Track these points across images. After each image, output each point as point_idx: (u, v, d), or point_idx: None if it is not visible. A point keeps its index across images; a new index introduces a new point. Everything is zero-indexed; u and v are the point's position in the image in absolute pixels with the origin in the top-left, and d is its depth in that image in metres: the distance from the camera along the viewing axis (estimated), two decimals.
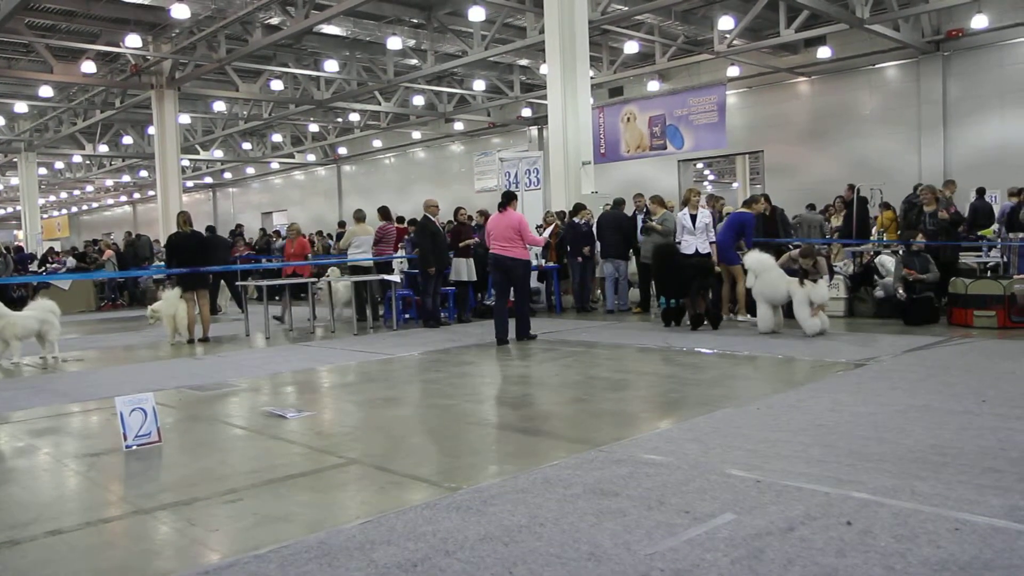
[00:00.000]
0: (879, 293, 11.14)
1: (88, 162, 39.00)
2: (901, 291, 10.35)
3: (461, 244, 12.85)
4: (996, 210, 14.70)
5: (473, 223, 15.94)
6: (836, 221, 15.93)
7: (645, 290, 13.28)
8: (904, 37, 18.49)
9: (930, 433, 4.81)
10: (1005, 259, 12.00)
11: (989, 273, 11.59)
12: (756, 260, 9.81)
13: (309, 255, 14.67)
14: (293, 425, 5.89)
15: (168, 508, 4.04)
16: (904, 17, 17.82)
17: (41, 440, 5.80)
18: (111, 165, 38.91)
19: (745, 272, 10.13)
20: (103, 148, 32.83)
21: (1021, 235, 11.88)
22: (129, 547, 3.61)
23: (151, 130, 25.95)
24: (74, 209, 57.84)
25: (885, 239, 14.19)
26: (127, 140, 32.19)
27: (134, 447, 5.22)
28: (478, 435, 5.54)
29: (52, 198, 52.73)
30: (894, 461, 4.26)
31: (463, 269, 12.83)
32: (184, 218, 11.82)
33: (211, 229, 18.41)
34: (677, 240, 11.30)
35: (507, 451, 5.07)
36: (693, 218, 11.15)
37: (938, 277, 10.37)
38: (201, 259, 11.73)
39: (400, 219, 16.83)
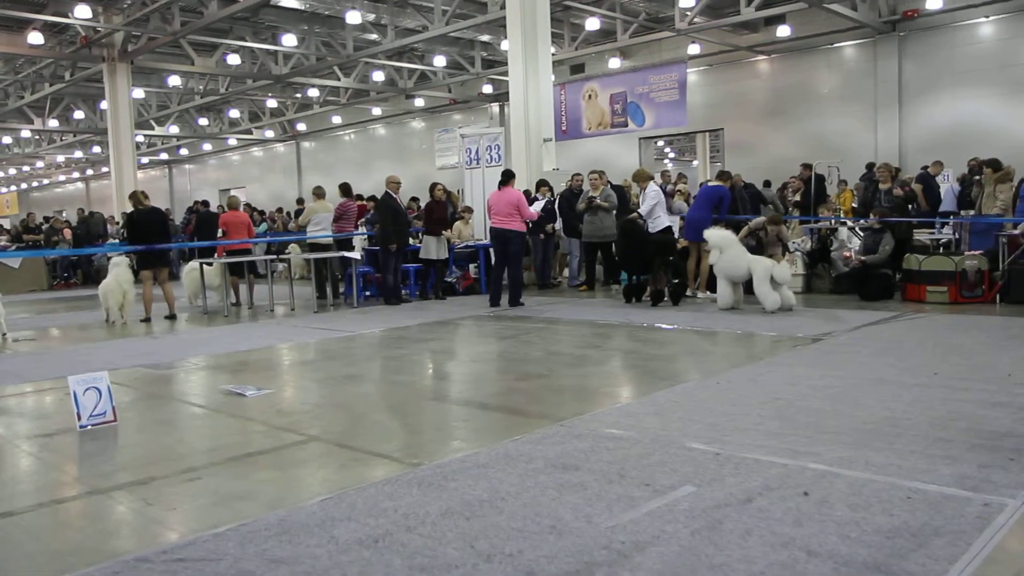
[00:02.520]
0: (841, 266, 11.38)
1: (38, 137, 37.93)
2: (842, 265, 10.75)
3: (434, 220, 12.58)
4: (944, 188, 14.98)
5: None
6: (795, 197, 16.09)
7: (590, 268, 13.34)
8: (861, 17, 18.65)
9: (884, 405, 4.91)
10: (957, 236, 12.25)
11: (942, 250, 11.82)
12: (719, 236, 9.87)
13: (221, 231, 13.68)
14: (253, 403, 5.83)
15: (124, 488, 3.98)
16: None
17: None
18: (62, 140, 37.88)
19: (707, 249, 10.19)
20: (53, 123, 31.91)
21: (972, 212, 12.13)
22: (85, 528, 3.56)
23: (103, 105, 25.27)
24: (24, 186, 56.35)
25: (842, 216, 14.40)
26: (79, 115, 31.36)
27: (89, 427, 5.13)
28: (440, 411, 5.54)
29: (0, 174, 51.32)
30: (850, 433, 4.34)
31: (432, 247, 12.63)
32: (142, 194, 11.62)
33: (205, 203, 17.85)
34: (646, 216, 11.24)
35: (469, 427, 5.07)
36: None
37: (887, 255, 10.58)
38: (162, 236, 11.57)
39: (360, 196, 16.67)
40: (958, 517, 3.14)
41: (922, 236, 12.47)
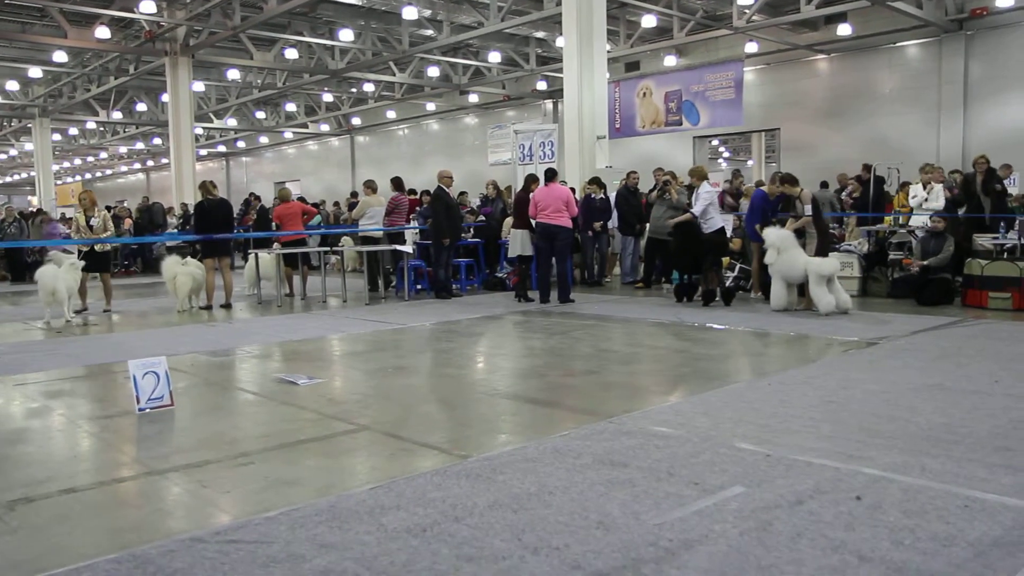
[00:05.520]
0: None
1: (102, 129, 38.97)
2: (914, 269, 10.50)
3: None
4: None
5: (485, 196, 15.92)
6: (852, 197, 15.75)
7: (649, 266, 13.22)
8: (926, 15, 18.19)
9: (941, 412, 4.79)
10: (1022, 241, 11.87)
11: (1005, 255, 11.48)
12: (778, 236, 9.66)
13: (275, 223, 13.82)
14: (304, 391, 5.92)
15: (180, 470, 4.08)
16: None
17: (55, 401, 5.86)
18: (125, 132, 38.88)
19: (765, 249, 9.95)
20: (117, 115, 32.75)
21: None
22: (142, 507, 3.65)
23: (165, 97, 25.85)
24: (88, 176, 57.94)
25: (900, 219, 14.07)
26: (141, 107, 32.13)
27: (147, 410, 5.26)
28: (488, 405, 5.55)
29: (66, 164, 52.74)
30: (905, 438, 4.25)
31: (523, 242, 11.67)
32: (211, 184, 12.02)
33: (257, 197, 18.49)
34: (704, 216, 11.12)
35: (517, 421, 5.09)
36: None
37: (949, 255, 10.33)
38: (227, 227, 11.90)
39: (412, 191, 16.81)
40: (1019, 528, 3.05)
41: (984, 240, 12.11)
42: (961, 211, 12.37)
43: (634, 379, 6.27)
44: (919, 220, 11.97)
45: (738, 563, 2.80)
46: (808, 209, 9.85)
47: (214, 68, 27.14)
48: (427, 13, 20.48)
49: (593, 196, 13.41)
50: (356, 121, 36.25)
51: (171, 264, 11.49)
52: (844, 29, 19.90)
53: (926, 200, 12.01)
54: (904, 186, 14.74)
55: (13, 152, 45.56)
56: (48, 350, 8.29)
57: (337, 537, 3.11)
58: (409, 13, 19.61)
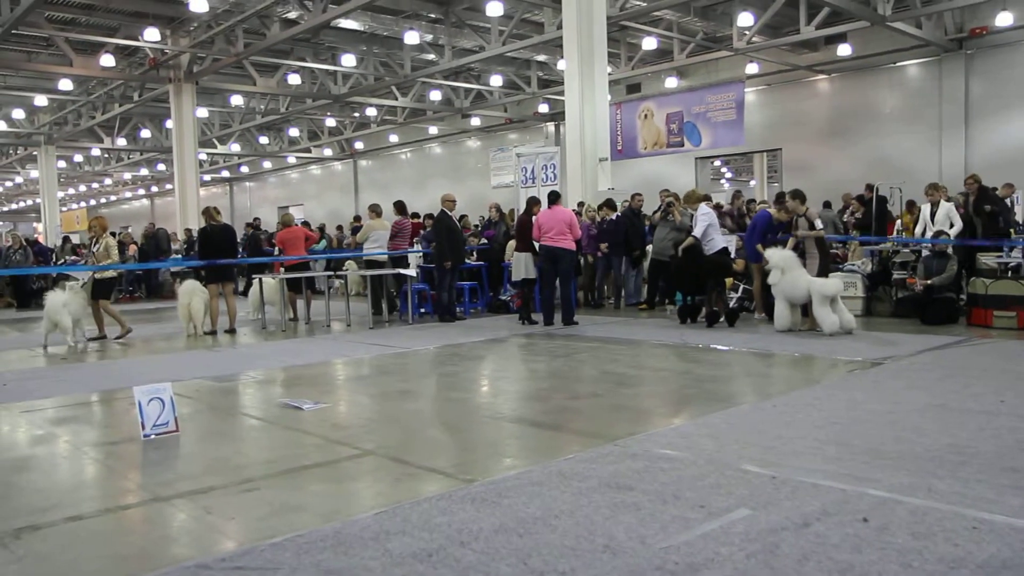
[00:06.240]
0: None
1: (106, 155, 39.21)
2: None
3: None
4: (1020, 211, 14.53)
5: (487, 220, 15.98)
6: (854, 217, 15.78)
7: (653, 287, 13.22)
8: (926, 35, 18.30)
9: (948, 432, 4.77)
10: None
11: (1010, 273, 11.46)
12: (781, 256, 9.67)
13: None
14: (309, 416, 5.91)
15: (185, 496, 4.07)
16: (927, 15, 17.62)
17: (60, 428, 5.86)
18: (129, 158, 39.11)
19: (768, 269, 9.93)
20: (121, 141, 32.96)
21: None
22: (147, 534, 3.65)
23: (169, 124, 26.07)
24: (92, 202, 58.20)
25: (904, 237, 14.08)
26: (145, 134, 32.35)
27: (152, 436, 5.26)
28: (493, 428, 5.54)
29: (71, 191, 53.02)
30: (911, 459, 4.23)
31: (527, 266, 11.69)
32: (215, 210, 12.18)
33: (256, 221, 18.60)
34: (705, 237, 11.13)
35: (522, 445, 5.08)
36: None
37: (953, 273, 10.33)
38: (231, 252, 11.98)
39: (415, 215, 16.86)
40: None
41: (988, 259, 12.11)
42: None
43: (639, 401, 6.26)
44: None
45: None
46: (819, 223, 9.86)
47: (217, 94, 27.35)
48: (428, 38, 20.66)
49: (604, 218, 13.43)
50: (359, 145, 36.45)
51: (193, 289, 11.56)
52: (844, 49, 20.01)
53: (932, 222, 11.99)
54: (911, 206, 14.76)
55: (19, 179, 45.89)
56: (53, 377, 8.30)
57: (343, 563, 3.10)
58: (411, 38, 19.78)
